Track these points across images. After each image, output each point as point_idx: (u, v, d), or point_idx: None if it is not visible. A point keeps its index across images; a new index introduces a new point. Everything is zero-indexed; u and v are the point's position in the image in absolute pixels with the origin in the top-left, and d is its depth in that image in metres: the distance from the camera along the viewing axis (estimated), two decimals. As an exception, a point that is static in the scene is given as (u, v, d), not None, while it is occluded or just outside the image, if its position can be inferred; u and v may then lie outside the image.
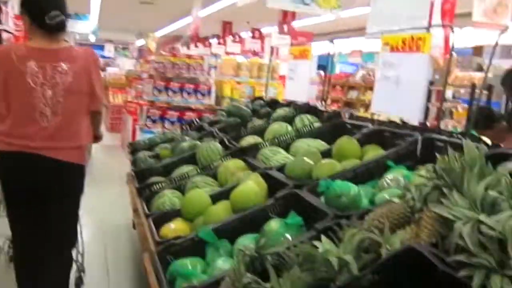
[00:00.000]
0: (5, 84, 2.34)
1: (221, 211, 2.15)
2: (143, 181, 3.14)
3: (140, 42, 20.52)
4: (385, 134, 2.60)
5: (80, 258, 3.06)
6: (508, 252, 0.92)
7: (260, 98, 4.61)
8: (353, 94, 10.64)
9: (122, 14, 14.27)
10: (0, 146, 2.37)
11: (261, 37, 14.49)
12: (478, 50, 9.49)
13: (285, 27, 12.40)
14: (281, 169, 2.48)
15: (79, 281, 3.04)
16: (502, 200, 1.03)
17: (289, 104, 3.83)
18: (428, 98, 8.07)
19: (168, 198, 2.59)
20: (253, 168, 2.74)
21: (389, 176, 2.02)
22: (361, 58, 15.31)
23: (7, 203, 2.49)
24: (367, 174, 2.17)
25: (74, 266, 2.84)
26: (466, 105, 7.44)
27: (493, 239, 0.95)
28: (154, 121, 5.99)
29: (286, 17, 12.41)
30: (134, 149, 4.02)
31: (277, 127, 3.24)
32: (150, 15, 14.44)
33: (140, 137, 6.06)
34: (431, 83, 8.06)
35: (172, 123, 6.04)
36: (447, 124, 7.26)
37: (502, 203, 1.02)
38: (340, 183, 1.87)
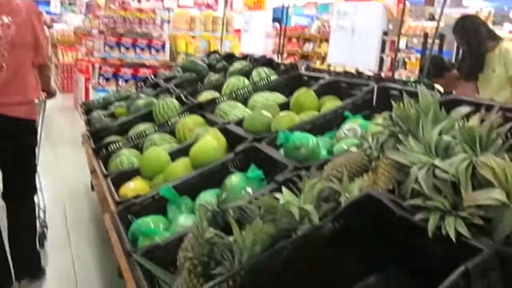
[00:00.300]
0: None
1: (180, 168, 2.13)
2: (99, 141, 3.06)
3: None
4: (341, 84, 2.61)
5: (42, 215, 3.14)
6: (461, 194, 0.95)
7: (216, 52, 4.52)
8: (308, 47, 10.60)
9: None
10: None
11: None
12: (430, 0, 9.60)
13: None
14: (239, 123, 2.46)
15: (42, 236, 3.13)
16: (455, 144, 1.06)
17: (246, 57, 3.77)
18: (382, 49, 8.18)
19: (125, 157, 2.54)
20: (211, 123, 2.71)
21: (346, 126, 2.04)
22: (316, 10, 15.19)
23: None
24: (325, 125, 2.19)
25: (37, 223, 2.88)
26: (419, 55, 7.58)
27: (447, 182, 0.98)
28: (107, 79, 5.78)
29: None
30: (88, 108, 3.89)
31: (234, 81, 3.20)
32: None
33: (94, 96, 5.87)
34: (385, 33, 8.15)
35: (126, 80, 5.85)
36: (401, 74, 7.40)
37: (455, 147, 1.05)
38: (299, 135, 1.87)
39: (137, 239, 1.77)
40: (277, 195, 1.24)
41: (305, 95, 2.49)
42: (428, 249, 0.99)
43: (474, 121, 1.10)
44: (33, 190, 2.79)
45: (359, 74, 2.52)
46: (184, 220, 1.75)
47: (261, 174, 1.84)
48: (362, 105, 2.26)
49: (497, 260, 0.86)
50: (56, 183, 4.50)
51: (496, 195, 0.90)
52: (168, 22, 6.50)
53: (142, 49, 5.86)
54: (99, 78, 5.75)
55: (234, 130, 2.37)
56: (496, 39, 3.44)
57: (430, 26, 7.53)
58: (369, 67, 2.47)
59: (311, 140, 1.87)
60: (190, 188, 1.98)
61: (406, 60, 8.63)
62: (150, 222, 1.80)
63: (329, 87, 2.61)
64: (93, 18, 7.45)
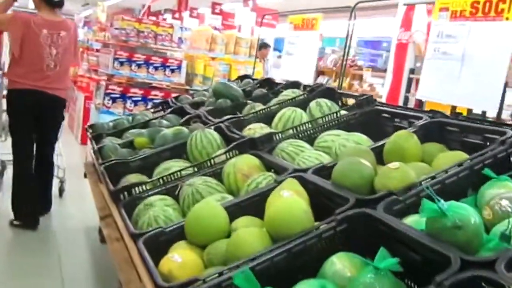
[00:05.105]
0: (23, 40, 3.45)
1: (253, 238, 1.45)
2: (117, 179, 2.39)
3: (86, 13, 19.06)
4: (448, 128, 2.00)
5: (62, 173, 4.30)
6: None
7: (248, 76, 3.90)
8: (322, 81, 10.06)
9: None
10: (17, 85, 3.52)
11: (222, 13, 13.63)
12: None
13: (250, 3, 11.63)
14: (319, 171, 1.82)
15: (62, 188, 4.32)
16: None
17: (294, 85, 3.16)
18: (408, 88, 7.63)
19: (160, 209, 1.86)
20: (270, 167, 2.07)
21: (498, 193, 1.41)
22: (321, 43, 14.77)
23: (15, 121, 3.60)
24: (457, 187, 1.55)
25: (57, 180, 4.16)
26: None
27: None
28: (114, 100, 5.10)
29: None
30: (97, 134, 3.21)
31: (289, 114, 2.56)
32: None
33: (96, 118, 5.18)
34: (412, 71, 7.63)
35: (135, 102, 5.18)
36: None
37: None
38: (455, 206, 1.23)
39: None
40: None
41: (406, 140, 1.86)
42: None
43: None
44: (54, 147, 3.90)
45: (483, 117, 1.90)
46: None
47: (398, 265, 1.19)
48: (501, 161, 1.63)
49: None
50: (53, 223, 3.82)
51: None
52: (183, 41, 5.90)
53: (156, 68, 5.21)
54: (104, 97, 5.06)
55: (316, 182, 1.72)
56: None
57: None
58: (486, 108, 1.86)
59: (473, 215, 1.23)
60: (275, 275, 1.32)
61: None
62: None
63: (431, 131, 2.00)
64: (98, 31, 6.82)
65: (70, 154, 4.12)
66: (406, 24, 7.51)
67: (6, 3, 3.51)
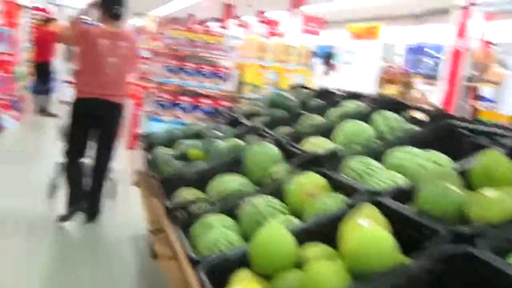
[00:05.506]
0: (84, 50, 3.71)
1: (331, 273, 1.29)
2: (170, 192, 2.28)
3: (133, 22, 19.52)
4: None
5: (115, 176, 4.23)
6: None
7: (304, 86, 3.74)
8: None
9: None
10: (78, 93, 3.75)
11: (269, 22, 13.55)
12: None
13: (296, 12, 11.47)
14: (398, 196, 1.63)
15: (114, 190, 4.29)
16: None
17: (355, 95, 2.97)
18: (465, 96, 7.26)
19: (220, 232, 1.72)
20: (337, 187, 1.89)
21: None
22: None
23: (72, 125, 3.77)
24: None
25: (111, 182, 4.14)
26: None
27: None
28: (163, 107, 5.06)
29: (296, 0, 11.51)
30: (149, 143, 3.13)
31: (353, 128, 2.38)
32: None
33: (146, 125, 5.15)
34: (470, 79, 7.26)
35: (185, 110, 5.12)
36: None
37: None
38: None
39: None
40: None
41: (499, 162, 1.64)
42: None
43: None
44: (112, 156, 3.91)
45: None
46: None
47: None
48: None
49: None
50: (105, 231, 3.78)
51: None
52: (233, 49, 5.81)
53: (206, 77, 5.15)
54: (154, 105, 5.04)
55: (395, 208, 1.53)
56: None
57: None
58: None
59: None
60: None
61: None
62: None
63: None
64: (150, 40, 6.84)
65: (117, 158, 4.07)
66: (462, 30, 7.17)
67: (74, 22, 3.80)
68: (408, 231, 1.44)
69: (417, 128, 2.32)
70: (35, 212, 3.95)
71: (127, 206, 4.28)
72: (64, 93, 4.65)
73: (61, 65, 8.74)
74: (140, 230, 3.67)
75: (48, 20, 8.64)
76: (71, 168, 3.81)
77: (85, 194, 3.84)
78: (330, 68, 9.44)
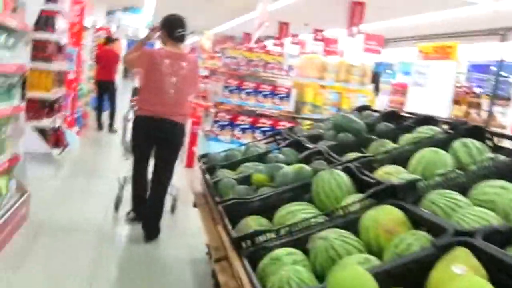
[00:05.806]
0: (147, 70, 3.82)
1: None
2: (234, 218, 2.19)
3: (190, 40, 19.98)
4: None
5: (175, 191, 4.46)
6: None
7: (369, 107, 3.58)
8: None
9: (179, 9, 13.61)
10: (140, 111, 3.89)
11: (325, 40, 13.41)
12: None
13: (355, 30, 11.26)
14: (491, 236, 1.46)
15: (174, 205, 4.53)
16: None
17: (428, 119, 2.79)
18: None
19: (291, 268, 1.60)
20: (417, 223, 1.74)
21: None
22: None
23: (135, 144, 3.95)
24: None
25: (170, 198, 4.39)
26: None
27: None
28: (222, 127, 5.05)
29: (354, 18, 11.31)
30: (210, 165, 3.08)
31: (431, 156, 2.20)
32: (209, 11, 13.73)
33: (204, 145, 5.14)
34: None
35: (244, 130, 5.08)
36: None
37: None
38: None
39: None
40: None
41: None
42: None
43: None
44: (171, 175, 4.01)
45: None
46: None
47: None
48: None
49: None
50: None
51: None
52: (292, 68, 5.73)
53: (265, 96, 5.10)
54: (213, 125, 5.03)
55: (492, 253, 1.36)
56: None
57: None
58: None
59: None
60: None
61: None
62: None
63: None
64: (207, 59, 6.90)
65: (175, 176, 4.09)
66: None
67: (137, 47, 4.04)
68: (506, 280, 1.27)
69: (502, 157, 2.12)
70: (101, 225, 4.11)
71: (187, 227, 4.27)
72: (126, 110, 4.62)
73: (122, 83, 9.02)
74: (200, 252, 3.62)
75: (110, 40, 8.96)
76: (137, 181, 3.99)
77: (146, 209, 3.98)
78: (377, 88, 9.15)
